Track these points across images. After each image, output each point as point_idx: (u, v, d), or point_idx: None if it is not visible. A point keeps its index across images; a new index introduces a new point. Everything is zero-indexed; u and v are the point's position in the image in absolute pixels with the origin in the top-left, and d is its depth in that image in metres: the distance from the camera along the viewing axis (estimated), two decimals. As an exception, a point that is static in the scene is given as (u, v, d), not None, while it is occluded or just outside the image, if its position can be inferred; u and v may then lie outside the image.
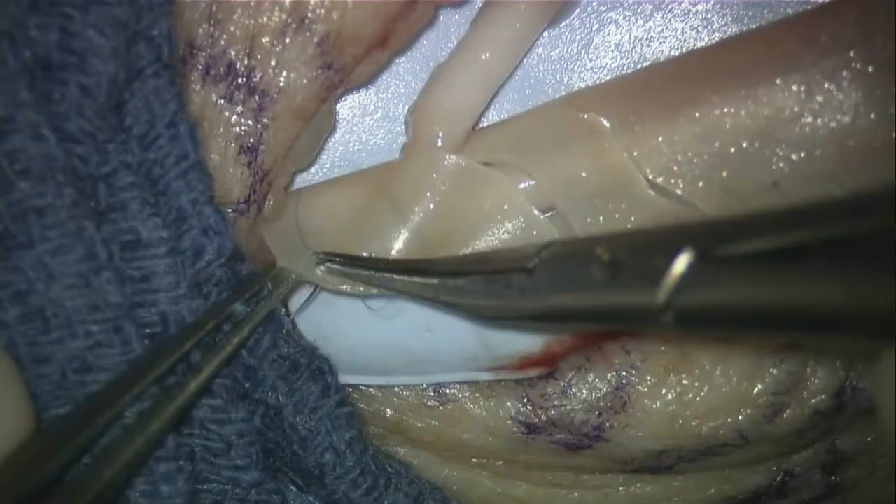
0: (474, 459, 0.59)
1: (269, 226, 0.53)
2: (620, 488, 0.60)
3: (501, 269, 0.45)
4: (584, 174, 0.53)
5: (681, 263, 0.33)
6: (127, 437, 0.43)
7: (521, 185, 0.54)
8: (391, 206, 0.54)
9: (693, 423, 0.55)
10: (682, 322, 0.34)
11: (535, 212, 0.53)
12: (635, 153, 0.52)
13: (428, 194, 0.54)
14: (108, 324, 0.44)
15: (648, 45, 0.56)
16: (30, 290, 0.43)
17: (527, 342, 0.57)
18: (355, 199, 0.55)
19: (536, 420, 0.56)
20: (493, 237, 0.53)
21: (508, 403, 0.56)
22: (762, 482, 0.60)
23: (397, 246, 0.54)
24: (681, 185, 0.52)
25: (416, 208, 0.54)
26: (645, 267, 0.35)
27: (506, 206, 0.53)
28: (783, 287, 0.31)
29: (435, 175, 0.54)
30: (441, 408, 0.57)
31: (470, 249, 0.54)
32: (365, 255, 0.54)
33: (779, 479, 0.60)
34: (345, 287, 0.55)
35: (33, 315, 0.43)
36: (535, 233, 0.53)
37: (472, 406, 0.57)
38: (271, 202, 0.53)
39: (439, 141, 0.54)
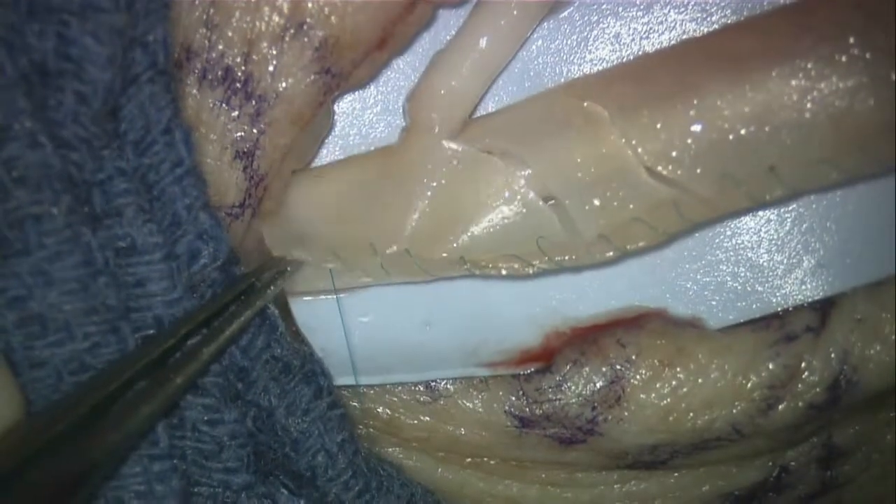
0: (467, 459, 0.60)
1: (266, 221, 0.54)
2: (615, 486, 0.60)
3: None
4: (581, 161, 0.53)
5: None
6: (115, 421, 0.43)
7: (519, 173, 0.54)
8: (394, 190, 0.55)
9: (688, 417, 0.56)
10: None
11: (533, 195, 0.53)
12: (633, 140, 0.53)
13: (427, 179, 0.54)
14: (105, 325, 0.45)
15: (647, 38, 0.56)
16: (28, 296, 0.44)
17: (526, 336, 0.58)
18: (354, 184, 0.56)
19: (530, 414, 0.57)
20: (494, 222, 0.54)
21: (502, 397, 0.57)
22: (757, 478, 0.61)
23: (405, 230, 0.54)
24: (679, 172, 0.52)
25: (418, 193, 0.54)
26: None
27: (506, 192, 0.54)
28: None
29: (433, 161, 0.54)
30: (433, 403, 0.57)
31: (470, 234, 0.54)
32: (373, 246, 0.54)
33: (774, 474, 0.61)
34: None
35: (31, 320, 0.44)
36: (535, 219, 0.54)
37: (464, 401, 0.57)
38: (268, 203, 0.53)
39: (436, 127, 0.54)
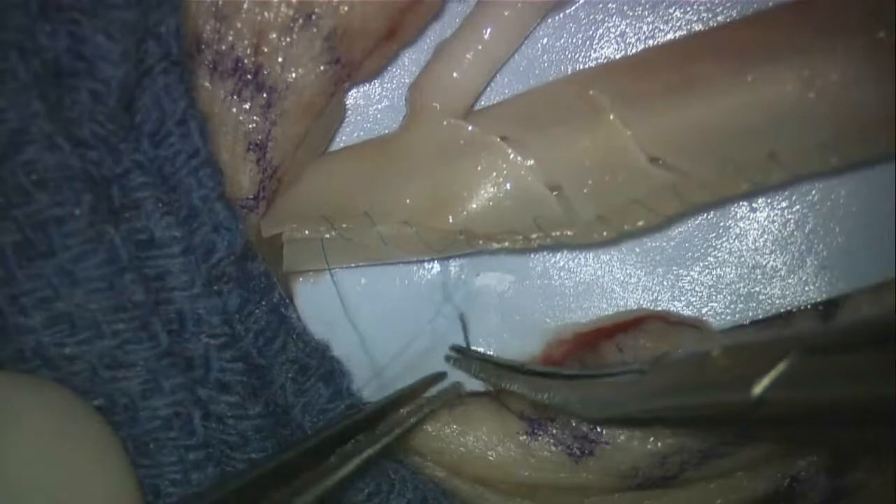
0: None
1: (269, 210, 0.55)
2: (628, 509, 0.61)
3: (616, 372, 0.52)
4: (582, 147, 0.54)
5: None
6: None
7: (520, 157, 0.54)
8: (394, 169, 0.55)
9: (692, 417, 0.56)
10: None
11: (533, 178, 0.54)
12: (634, 128, 0.54)
13: (427, 158, 0.55)
14: (134, 322, 0.46)
15: (653, 37, 0.57)
16: (55, 297, 0.45)
17: (528, 344, 0.59)
18: (352, 163, 0.56)
19: (538, 416, 0.57)
20: (493, 201, 0.55)
21: (512, 406, 0.58)
22: (769, 489, 0.61)
23: (403, 204, 0.55)
24: (679, 159, 0.54)
25: (418, 171, 0.55)
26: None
27: (506, 173, 0.54)
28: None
29: (434, 140, 0.55)
30: (448, 412, 0.58)
31: (467, 213, 0.55)
32: (368, 215, 0.55)
33: (785, 484, 0.61)
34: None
35: (59, 319, 0.45)
36: (534, 200, 0.55)
37: (477, 409, 0.58)
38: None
39: (438, 114, 0.55)
